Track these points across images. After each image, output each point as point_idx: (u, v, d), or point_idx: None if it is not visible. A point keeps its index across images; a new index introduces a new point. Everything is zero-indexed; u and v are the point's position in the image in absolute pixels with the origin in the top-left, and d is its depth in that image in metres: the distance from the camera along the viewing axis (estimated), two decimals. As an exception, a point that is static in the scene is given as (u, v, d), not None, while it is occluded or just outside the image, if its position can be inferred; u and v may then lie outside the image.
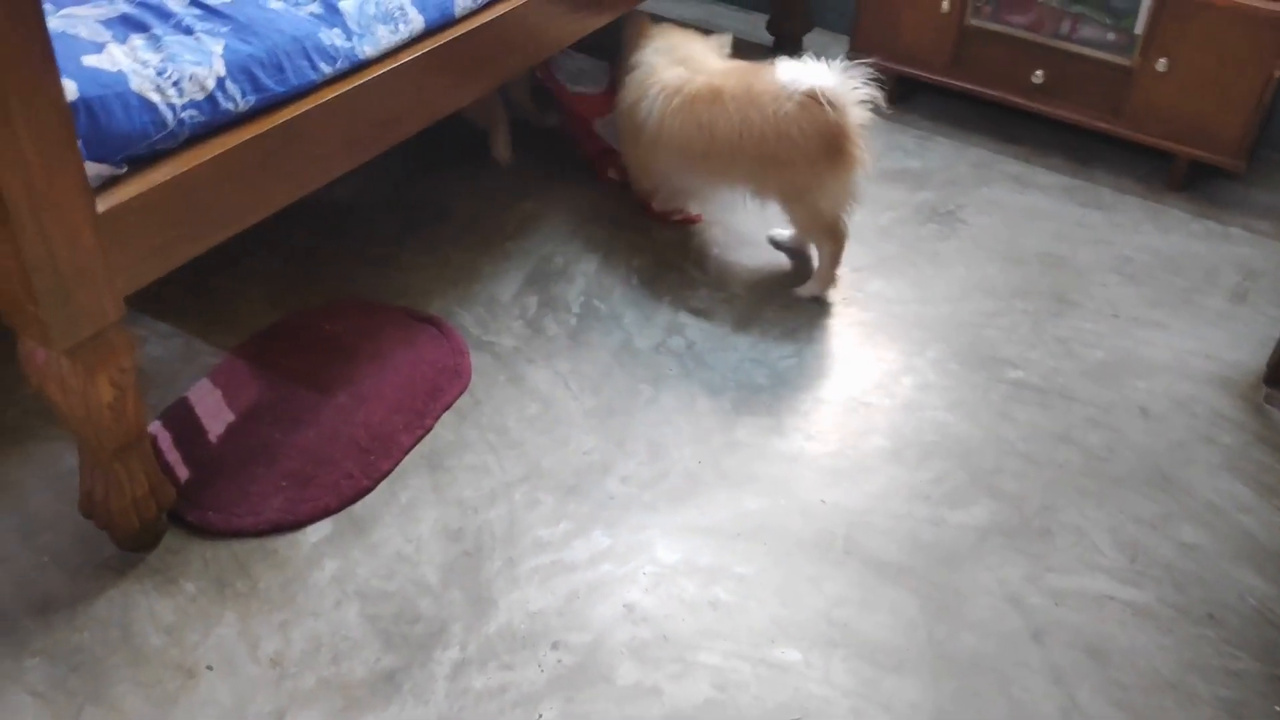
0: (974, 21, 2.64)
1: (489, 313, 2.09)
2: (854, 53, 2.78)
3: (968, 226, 2.41)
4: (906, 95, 2.87)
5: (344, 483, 1.73)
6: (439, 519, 1.70)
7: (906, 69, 2.77)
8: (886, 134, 2.71)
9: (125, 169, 1.41)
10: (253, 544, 1.64)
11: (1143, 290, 2.25)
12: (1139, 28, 2.45)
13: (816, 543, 1.70)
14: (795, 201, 2.12)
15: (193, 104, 1.48)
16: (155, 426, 1.80)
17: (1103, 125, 2.58)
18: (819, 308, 2.16)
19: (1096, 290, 2.24)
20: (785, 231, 2.29)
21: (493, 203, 2.39)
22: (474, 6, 1.91)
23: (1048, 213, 2.47)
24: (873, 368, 2.03)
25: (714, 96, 2.07)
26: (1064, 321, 2.16)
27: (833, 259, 2.17)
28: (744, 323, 2.12)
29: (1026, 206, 2.49)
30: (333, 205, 2.34)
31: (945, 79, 2.73)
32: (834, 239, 2.15)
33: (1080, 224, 2.44)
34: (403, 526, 1.68)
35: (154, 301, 2.04)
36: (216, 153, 1.50)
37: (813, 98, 1.97)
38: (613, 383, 1.96)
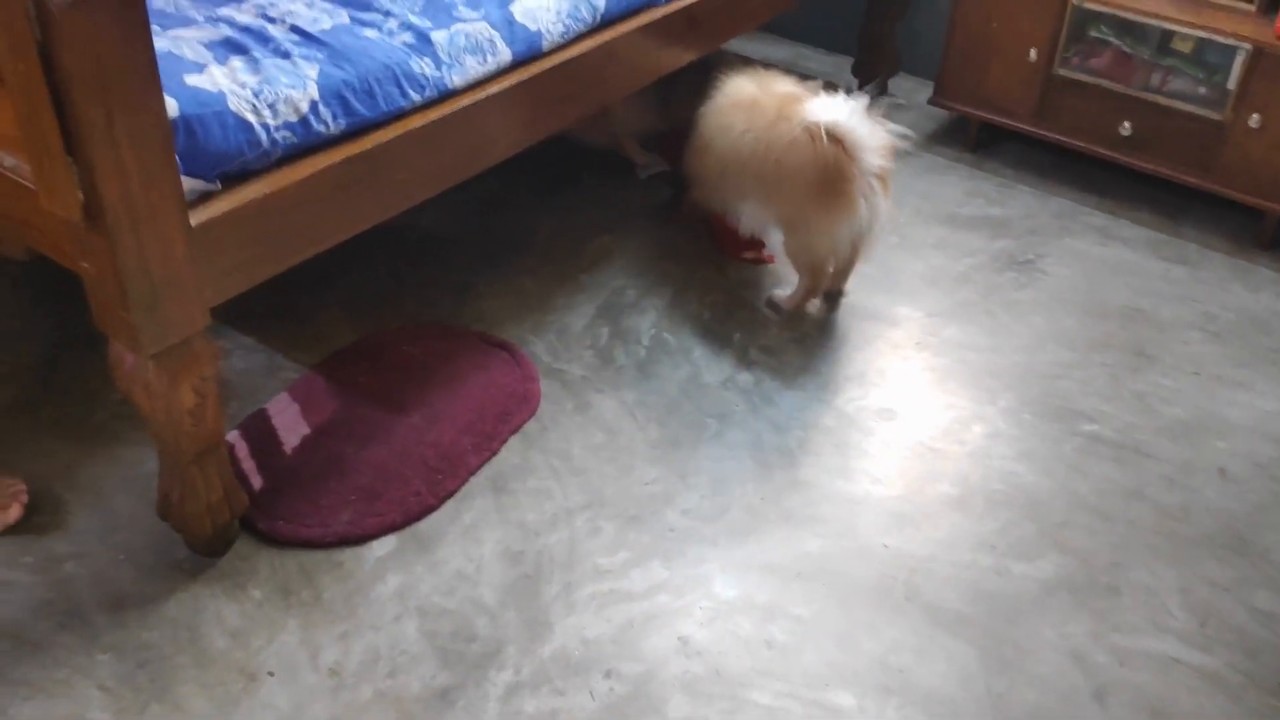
0: (1062, 71, 2.62)
1: (560, 341, 2.12)
2: (938, 98, 2.79)
3: (1047, 277, 2.38)
4: (989, 142, 2.85)
5: (411, 500, 1.76)
6: (501, 540, 1.72)
7: (991, 116, 2.75)
8: (968, 180, 2.70)
9: (219, 185, 1.47)
10: (319, 555, 1.68)
11: (1227, 349, 2.19)
12: (1232, 82, 2.41)
13: (876, 587, 1.68)
14: (788, 230, 2.14)
15: (287, 125, 1.54)
16: (233, 435, 1.86)
17: (1191, 180, 2.53)
18: (890, 351, 2.15)
19: (1178, 347, 2.19)
20: (782, 292, 2.25)
21: (571, 235, 2.42)
22: (562, 41, 1.95)
23: (1131, 266, 2.43)
24: (943, 414, 2.01)
25: (750, 106, 2.10)
26: (1143, 377, 2.11)
27: (804, 294, 2.19)
28: (813, 363, 2.11)
29: (1109, 259, 2.45)
30: (417, 231, 2.40)
31: (1030, 128, 2.71)
32: (812, 277, 2.17)
33: (1164, 279, 2.40)
34: (465, 546, 1.70)
35: (240, 315, 2.11)
36: (307, 173, 1.55)
37: (828, 133, 1.95)
38: (679, 416, 1.97)
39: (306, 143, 1.57)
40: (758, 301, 2.26)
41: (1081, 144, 2.66)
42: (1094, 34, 2.58)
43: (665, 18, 2.13)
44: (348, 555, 1.68)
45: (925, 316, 2.25)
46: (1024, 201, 2.65)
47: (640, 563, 1.70)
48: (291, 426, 1.88)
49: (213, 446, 1.57)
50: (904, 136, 2.07)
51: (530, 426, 1.93)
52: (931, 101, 2.83)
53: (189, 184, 1.42)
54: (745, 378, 2.07)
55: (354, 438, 1.86)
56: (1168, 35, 2.50)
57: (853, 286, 2.29)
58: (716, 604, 1.64)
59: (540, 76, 1.90)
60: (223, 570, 1.65)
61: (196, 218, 1.42)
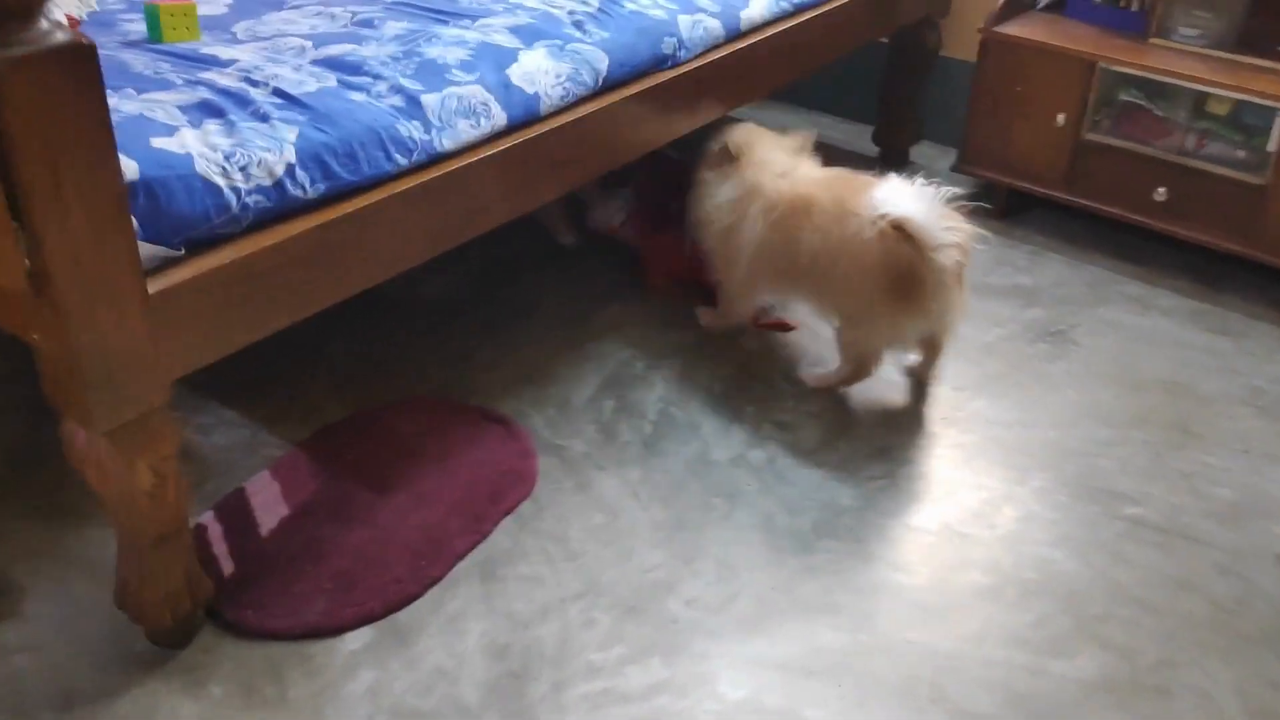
0: (1091, 136, 2.51)
1: (561, 415, 2.00)
2: (963, 165, 2.68)
3: (1080, 348, 2.25)
4: (1017, 210, 2.74)
5: (391, 588, 1.63)
6: (486, 633, 1.58)
7: (1018, 183, 2.64)
8: (996, 249, 2.57)
9: (182, 251, 1.38)
10: (288, 648, 1.55)
11: (1277, 425, 2.04)
12: (1272, 145, 2.28)
13: (899, 688, 1.53)
14: (847, 323, 2.01)
15: (259, 189, 1.45)
16: (208, 517, 1.75)
17: (1232, 246, 2.39)
18: (914, 426, 2.01)
19: (1224, 423, 2.04)
20: (816, 370, 2.14)
21: (578, 303, 2.32)
22: (561, 104, 1.87)
23: (1170, 337, 2.29)
24: (971, 495, 1.86)
25: (806, 208, 1.96)
26: (1187, 455, 1.96)
27: (843, 380, 2.07)
28: (831, 439, 1.98)
29: (1146, 330, 2.31)
30: (417, 300, 2.31)
31: (1060, 194, 2.59)
32: (857, 369, 2.04)
33: (1207, 351, 2.25)
34: (447, 639, 1.57)
35: (223, 386, 2.01)
36: (280, 239, 1.46)
37: (897, 229, 1.82)
38: (685, 495, 1.84)
39: (281, 207, 1.48)
40: (772, 374, 2.14)
41: (1115, 210, 2.53)
42: (1124, 97, 2.47)
43: (671, 81, 2.05)
44: (319, 648, 1.55)
45: (951, 390, 2.11)
46: (1055, 270, 2.52)
47: (638, 659, 1.55)
48: (270, 507, 1.77)
49: (174, 531, 1.45)
50: (979, 236, 1.94)
51: (525, 507, 1.80)
52: (956, 169, 2.72)
53: (148, 250, 1.33)
54: (758, 454, 1.94)
55: (335, 520, 1.75)
56: (1202, 98, 2.39)
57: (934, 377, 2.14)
58: (722, 706, 1.49)
59: (537, 140, 1.81)
60: (183, 664, 1.52)
61: (155, 285, 1.32)
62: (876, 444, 1.97)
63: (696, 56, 2.09)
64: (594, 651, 1.56)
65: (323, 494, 1.80)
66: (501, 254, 2.46)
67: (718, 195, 2.09)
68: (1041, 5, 2.65)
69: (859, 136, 3.07)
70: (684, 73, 2.07)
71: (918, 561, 1.73)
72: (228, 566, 1.66)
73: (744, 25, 2.19)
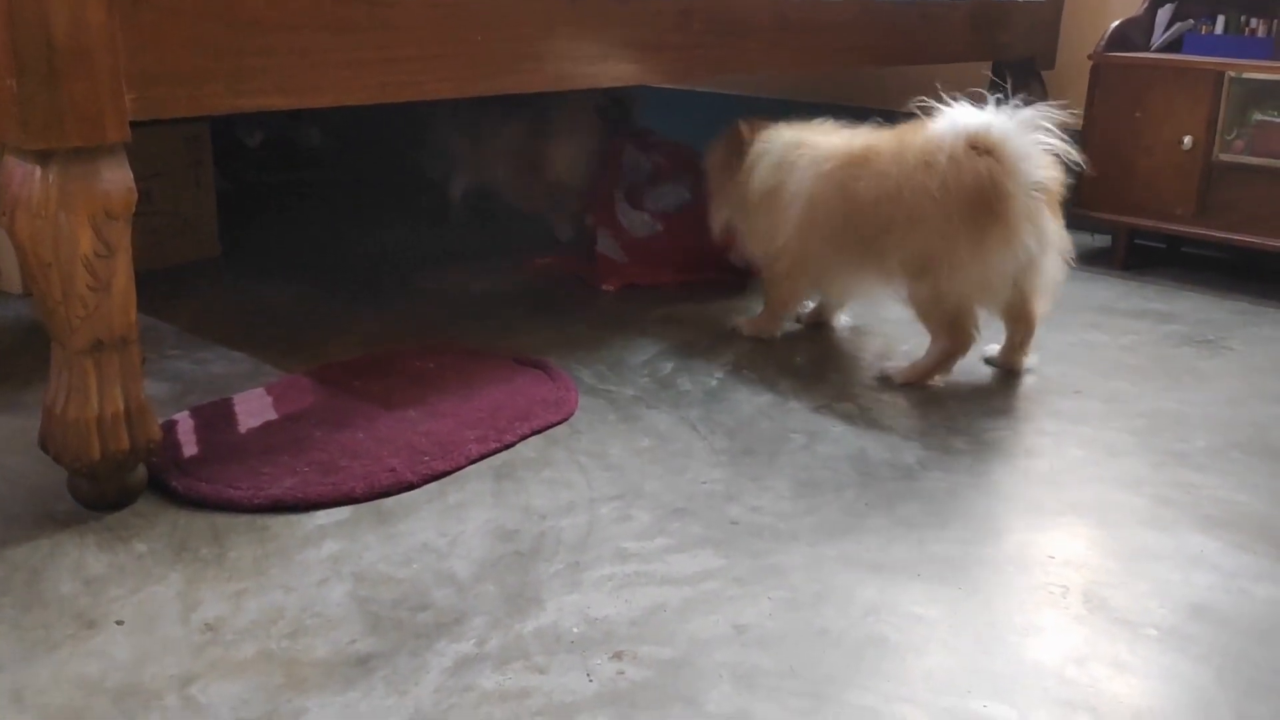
0: (1224, 157, 2.24)
1: (613, 371, 1.70)
2: (1076, 208, 2.42)
3: (1235, 353, 1.88)
4: (1141, 265, 2.44)
5: (382, 475, 1.30)
6: (492, 520, 1.23)
7: (1143, 221, 2.35)
8: (1120, 286, 2.26)
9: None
10: (242, 519, 1.21)
11: None
12: None
13: (1039, 592, 1.11)
14: (917, 278, 1.63)
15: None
16: (182, 415, 1.46)
17: None
18: (1037, 395, 1.65)
19: None
20: (897, 364, 1.73)
21: (639, 299, 2.05)
22: None
23: (1346, 349, 1.91)
24: (1122, 453, 1.47)
25: (862, 157, 1.68)
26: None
27: (942, 360, 1.65)
28: (936, 400, 1.63)
29: (1315, 342, 1.94)
30: (467, 291, 2.07)
31: (1190, 229, 2.30)
32: (953, 336, 1.64)
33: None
34: (441, 522, 1.22)
35: (233, 338, 1.77)
36: None
37: (973, 146, 1.53)
38: (755, 430, 1.49)
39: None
40: (865, 354, 1.81)
41: (1255, 239, 2.22)
42: (1259, 117, 2.22)
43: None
44: (280, 521, 1.21)
45: (1082, 370, 1.75)
46: (1193, 302, 2.19)
47: (685, 549, 1.18)
48: (256, 413, 1.48)
49: (116, 338, 1.17)
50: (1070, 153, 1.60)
51: (558, 430, 1.48)
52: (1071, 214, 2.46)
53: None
54: (846, 406, 1.59)
55: (327, 423, 1.44)
56: (1350, 109, 2.13)
57: (1033, 361, 1.75)
58: (795, 594, 1.09)
59: None
60: (107, 524, 1.20)
61: (130, -12, 1.12)
62: (993, 405, 1.61)
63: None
64: (628, 540, 1.19)
65: (319, 405, 1.50)
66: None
67: (754, 162, 1.81)
68: (1157, 46, 2.47)
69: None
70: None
71: (1062, 494, 1.33)
72: (189, 450, 1.35)
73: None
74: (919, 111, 1.62)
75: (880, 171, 1.64)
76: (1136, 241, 2.45)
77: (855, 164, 1.68)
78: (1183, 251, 2.55)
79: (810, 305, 1.95)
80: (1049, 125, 1.57)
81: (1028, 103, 1.59)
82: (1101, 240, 2.57)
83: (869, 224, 1.65)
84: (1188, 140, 2.26)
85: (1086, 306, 2.12)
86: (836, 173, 1.70)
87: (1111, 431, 1.52)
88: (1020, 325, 1.71)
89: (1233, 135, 2.24)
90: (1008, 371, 1.73)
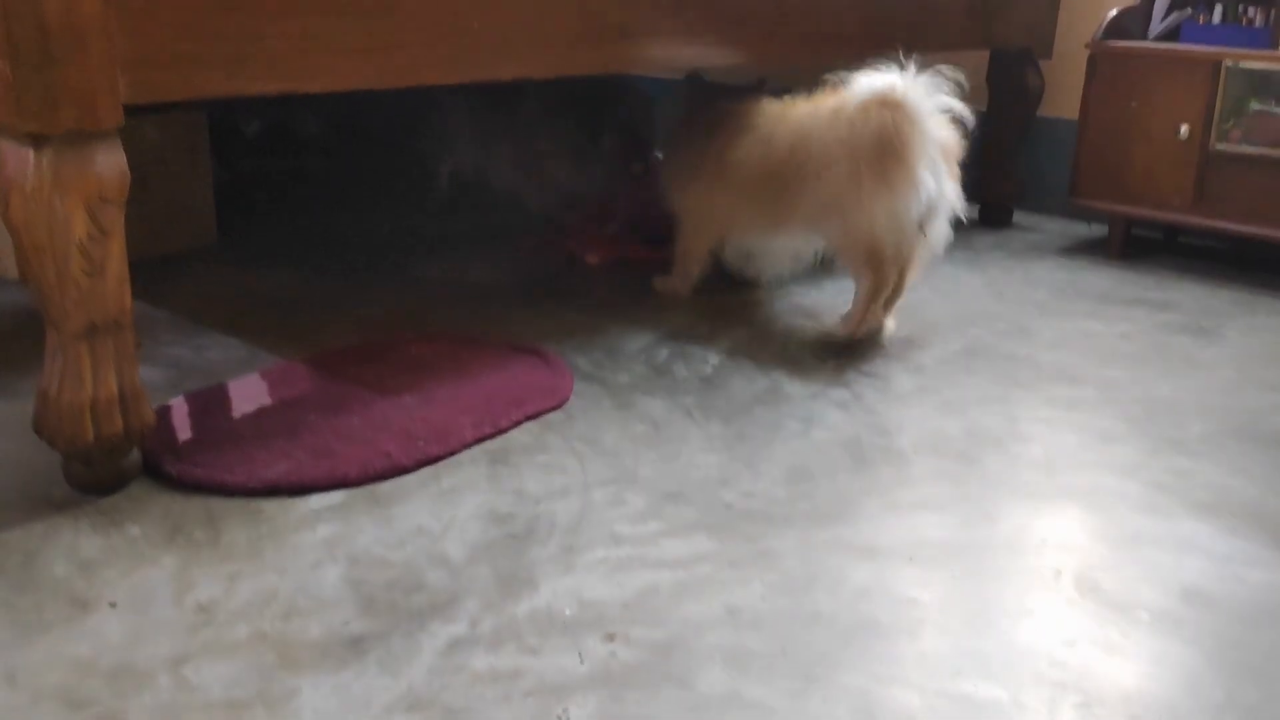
0: (1221, 146, 2.24)
1: (609, 358, 1.70)
2: (1074, 197, 2.43)
3: (1230, 343, 1.88)
4: (1139, 255, 2.44)
5: (376, 459, 1.30)
6: (485, 504, 1.23)
7: (1139, 211, 2.35)
8: (1117, 275, 2.26)
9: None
10: (237, 503, 1.22)
11: None
12: None
13: (1032, 575, 1.11)
14: (831, 220, 1.74)
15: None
16: (177, 400, 1.46)
17: (1405, 252, 2.05)
18: (1033, 382, 1.65)
19: None
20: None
21: (639, 285, 2.05)
22: None
23: (1342, 338, 1.91)
24: (1119, 439, 1.47)
25: (782, 115, 1.82)
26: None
27: (869, 297, 1.74)
28: (935, 383, 1.63)
29: (1311, 331, 1.94)
30: (461, 282, 2.07)
31: (1187, 217, 2.30)
32: (874, 271, 1.73)
33: (1390, 349, 1.86)
34: (435, 506, 1.22)
35: (229, 324, 1.77)
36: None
37: (880, 103, 1.65)
38: (750, 416, 1.49)
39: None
40: (859, 342, 1.81)
41: (1251, 229, 2.22)
42: (1256, 107, 2.22)
43: None
44: (274, 505, 1.22)
45: (1077, 358, 1.76)
46: (1190, 290, 2.19)
47: (679, 533, 1.18)
48: (251, 399, 1.48)
49: (110, 321, 1.18)
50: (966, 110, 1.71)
51: (553, 416, 1.48)
52: (1069, 199, 2.46)
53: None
54: (841, 393, 1.59)
55: (323, 409, 1.44)
56: (1347, 99, 2.13)
57: (892, 326, 1.83)
58: (787, 579, 1.10)
59: None
60: (100, 508, 1.20)
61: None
62: (984, 393, 1.61)
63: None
64: (622, 524, 1.19)
65: (315, 391, 1.51)
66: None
67: (696, 123, 1.96)
68: (1155, 35, 2.46)
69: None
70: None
71: (1056, 480, 1.33)
72: (184, 435, 1.36)
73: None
74: (834, 81, 1.76)
75: (795, 126, 1.79)
76: (1133, 232, 2.45)
77: (774, 120, 1.83)
78: (1179, 241, 2.55)
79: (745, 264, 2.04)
80: (946, 89, 1.69)
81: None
82: (1098, 230, 2.57)
83: (783, 173, 1.78)
84: (1184, 130, 2.26)
85: (1083, 295, 2.12)
86: (757, 128, 1.83)
87: (1106, 418, 1.53)
88: (906, 263, 1.78)
89: (1230, 125, 2.24)
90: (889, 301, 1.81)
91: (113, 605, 1.02)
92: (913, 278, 1.81)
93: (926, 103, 1.66)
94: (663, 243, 2.10)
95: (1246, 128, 2.22)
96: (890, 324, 1.83)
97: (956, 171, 1.74)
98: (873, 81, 1.67)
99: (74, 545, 1.12)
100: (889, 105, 1.64)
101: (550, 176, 2.41)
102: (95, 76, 1.10)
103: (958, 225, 1.79)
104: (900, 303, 1.82)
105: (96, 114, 1.11)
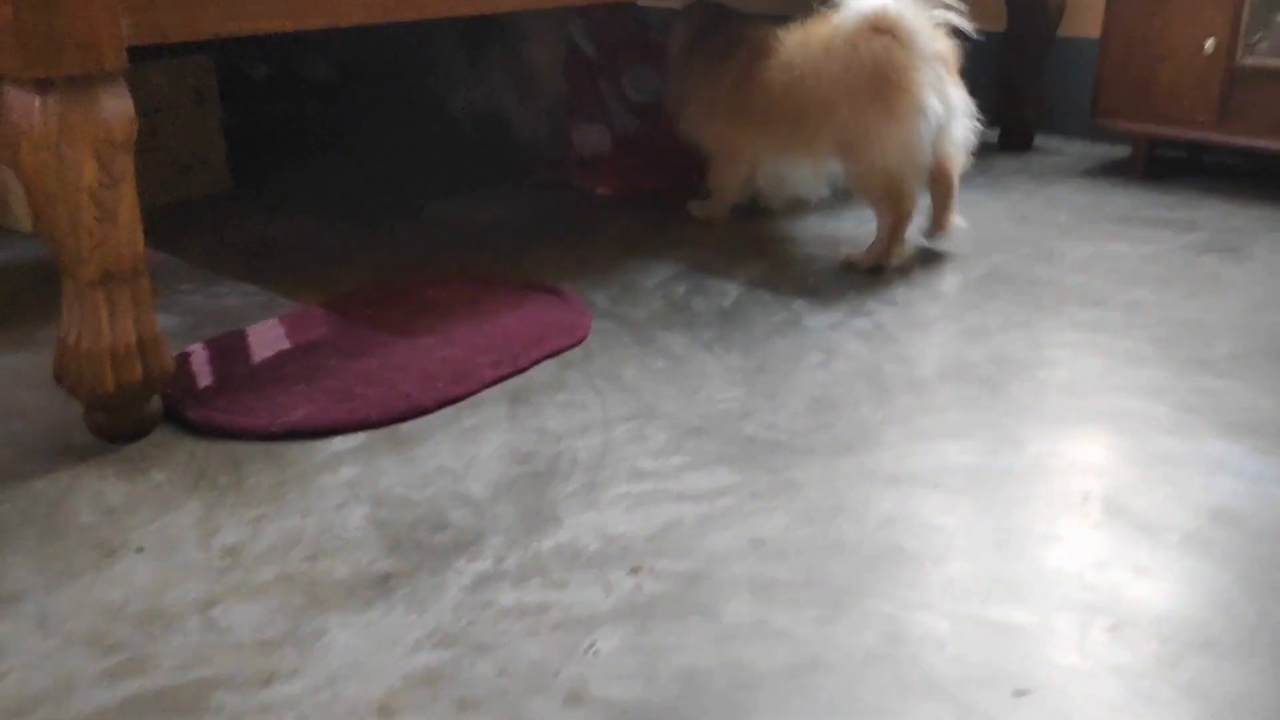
0: (1248, 61, 2.18)
1: (626, 293, 1.69)
2: (1097, 117, 2.38)
3: (1258, 261, 1.84)
4: (1164, 174, 2.39)
5: (396, 401, 1.30)
6: (508, 443, 1.23)
7: (1163, 129, 2.30)
8: (1141, 196, 2.22)
9: (163, -93, 1.16)
10: (259, 446, 1.22)
11: None
12: None
13: (1060, 500, 1.11)
14: (849, 158, 1.73)
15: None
16: (195, 347, 1.46)
17: None
18: (1059, 304, 1.62)
19: None
20: (856, 248, 1.82)
21: (654, 223, 2.03)
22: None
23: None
24: (1144, 360, 1.45)
25: (769, 49, 1.79)
26: None
27: (892, 232, 1.73)
28: (957, 310, 1.61)
29: (1341, 247, 1.90)
30: (472, 222, 2.05)
31: (1214, 135, 2.24)
32: (895, 205, 1.71)
33: None
34: (457, 446, 1.22)
35: (250, 270, 1.77)
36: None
37: (874, 28, 1.61)
38: (770, 349, 1.48)
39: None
40: (878, 272, 1.79)
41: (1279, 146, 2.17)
42: (1284, 17, 2.16)
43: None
44: (296, 448, 1.22)
45: (1102, 280, 1.73)
46: (1215, 209, 2.14)
47: (702, 466, 1.17)
48: (270, 343, 1.48)
49: (126, 269, 1.17)
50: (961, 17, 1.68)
51: (572, 354, 1.47)
52: (1092, 119, 2.41)
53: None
54: (862, 322, 1.57)
55: (342, 352, 1.44)
56: (1380, 6, 2.06)
57: (960, 222, 1.85)
58: (811, 508, 1.09)
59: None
60: (124, 455, 1.20)
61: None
62: (1012, 318, 1.59)
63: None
64: (644, 459, 1.19)
65: (333, 335, 1.50)
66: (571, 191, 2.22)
67: (706, 46, 1.94)
68: (1177, -53, 2.39)
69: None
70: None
71: (1082, 403, 1.31)
72: (204, 381, 1.36)
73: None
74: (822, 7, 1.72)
75: (784, 62, 1.75)
76: (1156, 152, 2.40)
77: (761, 54, 1.79)
78: (1204, 161, 2.49)
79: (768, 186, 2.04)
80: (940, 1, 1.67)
81: None
82: (1121, 150, 2.52)
83: (784, 113, 1.76)
84: (1210, 44, 2.20)
85: (1106, 217, 2.08)
86: (749, 63, 1.82)
87: (1132, 340, 1.51)
88: (940, 186, 1.80)
89: (1257, 38, 2.18)
90: (939, 233, 1.83)
91: (140, 550, 1.02)
92: (957, 177, 1.80)
93: (919, 20, 1.62)
94: (677, 171, 2.08)
95: (1274, 41, 2.16)
96: (959, 220, 1.83)
97: (959, 80, 1.71)
98: (863, 6, 1.63)
99: (99, 492, 1.12)
100: (882, 31, 1.60)
101: (542, 98, 2.38)
102: (98, 18, 1.08)
103: (979, 150, 1.77)
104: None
105: (101, 56, 1.09)
